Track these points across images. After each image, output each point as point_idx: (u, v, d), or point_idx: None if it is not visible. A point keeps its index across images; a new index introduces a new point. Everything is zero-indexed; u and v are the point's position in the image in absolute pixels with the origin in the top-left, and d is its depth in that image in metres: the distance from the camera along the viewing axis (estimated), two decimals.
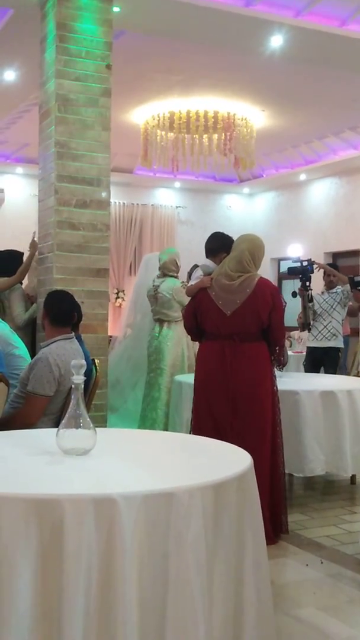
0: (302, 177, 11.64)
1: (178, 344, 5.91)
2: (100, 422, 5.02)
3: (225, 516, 1.98)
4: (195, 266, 4.65)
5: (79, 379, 2.25)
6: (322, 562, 3.61)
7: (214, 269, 4.30)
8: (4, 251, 5.88)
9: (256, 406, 3.89)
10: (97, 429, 2.30)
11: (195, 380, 4.12)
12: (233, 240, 4.33)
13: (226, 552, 1.99)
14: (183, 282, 5.99)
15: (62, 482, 2.04)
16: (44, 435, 2.69)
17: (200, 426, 3.96)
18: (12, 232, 10.93)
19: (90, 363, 3.93)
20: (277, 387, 4.05)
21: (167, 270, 5.99)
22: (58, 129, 5.05)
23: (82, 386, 2.28)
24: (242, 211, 13.15)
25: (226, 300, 3.91)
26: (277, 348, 4.00)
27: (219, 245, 4.69)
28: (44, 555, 1.77)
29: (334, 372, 6.84)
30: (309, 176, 11.58)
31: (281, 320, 3.96)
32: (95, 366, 3.99)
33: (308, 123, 9.41)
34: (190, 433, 4.05)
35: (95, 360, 4.05)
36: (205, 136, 8.97)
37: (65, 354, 3.55)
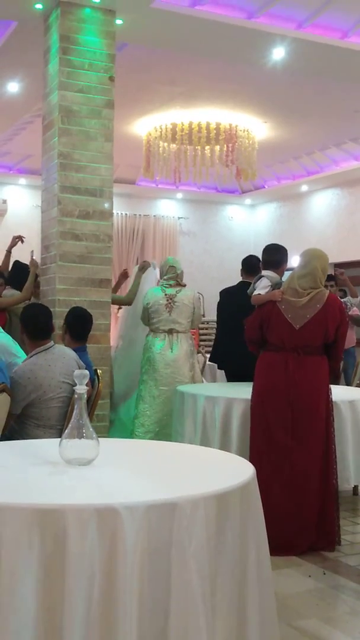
0: (304, 188, 11.66)
1: (192, 355, 5.89)
2: (103, 432, 5.02)
3: (228, 526, 1.98)
4: (261, 276, 4.70)
5: (81, 389, 2.25)
6: (324, 574, 3.60)
7: (276, 279, 4.49)
8: (18, 262, 5.98)
9: (314, 417, 4.02)
10: (99, 439, 2.30)
11: (254, 389, 4.18)
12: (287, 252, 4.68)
13: (229, 562, 1.98)
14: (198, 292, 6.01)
15: (65, 492, 2.04)
16: (46, 446, 2.69)
17: (256, 435, 4.08)
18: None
19: (93, 373, 3.94)
20: (332, 399, 4.17)
21: (180, 279, 6.00)
22: (61, 140, 5.08)
23: (85, 396, 2.28)
24: (244, 222, 13.18)
25: (295, 314, 4.03)
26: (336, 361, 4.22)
27: (280, 257, 4.84)
28: (46, 564, 1.76)
29: (336, 383, 6.83)
30: (310, 187, 11.60)
31: (345, 335, 4.15)
32: (98, 376, 4.00)
33: (310, 134, 9.44)
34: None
35: (98, 371, 4.06)
36: (207, 147, 9.00)
37: (34, 368, 3.66)
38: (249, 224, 13.19)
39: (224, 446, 4.38)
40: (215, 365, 6.69)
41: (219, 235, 12.96)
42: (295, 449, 3.97)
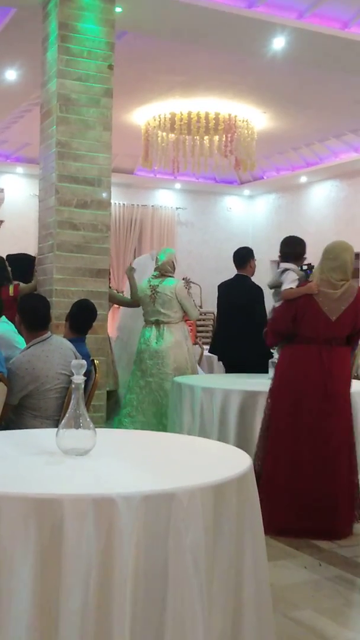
0: (303, 179, 11.64)
1: (181, 347, 5.84)
2: (99, 422, 5.01)
3: (225, 517, 1.98)
4: (286, 269, 4.74)
5: (79, 379, 2.25)
6: (320, 565, 3.61)
7: (301, 273, 4.65)
8: (20, 255, 5.95)
9: (345, 406, 4.13)
10: (96, 429, 2.29)
11: (282, 380, 4.19)
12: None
13: (226, 553, 1.98)
14: (185, 278, 5.94)
15: (62, 482, 2.03)
16: (43, 436, 2.68)
17: (280, 426, 4.10)
18: (12, 231, 10.95)
19: (90, 364, 3.93)
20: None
21: (165, 270, 5.94)
22: (59, 128, 5.05)
23: (82, 386, 2.27)
24: (242, 213, 13.16)
25: (331, 306, 4.08)
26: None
27: (301, 250, 5.04)
28: (43, 554, 1.76)
29: None
30: (309, 178, 11.58)
31: None
32: (95, 367, 3.99)
33: (309, 125, 9.41)
34: (262, 431, 4.20)
35: (95, 361, 4.05)
36: (206, 138, 8.97)
37: (32, 359, 3.66)
38: (247, 214, 13.17)
39: (222, 437, 4.38)
40: (215, 356, 6.71)
41: (217, 226, 12.94)
42: (330, 443, 4.02)
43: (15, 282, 5.59)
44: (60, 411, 3.67)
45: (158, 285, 5.83)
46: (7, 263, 5.74)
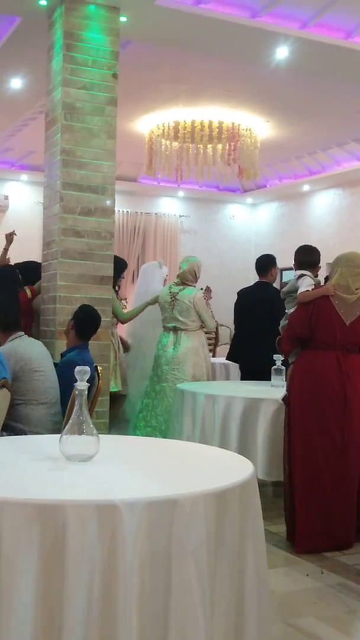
0: (306, 187, 11.66)
1: (197, 354, 5.85)
2: (102, 429, 5.02)
3: (227, 524, 1.98)
4: (302, 274, 4.81)
5: (82, 385, 2.26)
6: (322, 572, 3.61)
7: (316, 279, 4.80)
8: (29, 262, 6.02)
9: None
10: (99, 435, 2.30)
11: (300, 386, 4.15)
12: None
13: (228, 560, 1.99)
14: (202, 288, 5.97)
15: (65, 488, 2.04)
16: (46, 441, 2.69)
17: (309, 434, 4.05)
18: (16, 239, 10.90)
19: (93, 370, 3.95)
20: None
21: (185, 279, 5.96)
22: (64, 136, 5.08)
23: (85, 392, 2.28)
24: (245, 221, 13.18)
25: (347, 310, 4.09)
26: None
27: (316, 258, 5.20)
28: (46, 560, 1.76)
29: None
30: (312, 187, 11.60)
31: None
32: (99, 373, 4.00)
33: (312, 134, 9.44)
34: (285, 442, 4.15)
35: (99, 368, 4.06)
36: (209, 146, 9.00)
37: (13, 345, 4.04)
38: (250, 223, 13.19)
39: (224, 444, 4.38)
40: (231, 363, 6.77)
41: (220, 234, 12.96)
42: (350, 447, 4.01)
43: (30, 286, 5.70)
44: (45, 395, 3.97)
45: (178, 293, 5.86)
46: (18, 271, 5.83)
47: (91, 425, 2.27)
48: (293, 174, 11.44)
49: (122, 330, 6.64)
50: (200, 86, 7.68)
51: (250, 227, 13.14)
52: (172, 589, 1.82)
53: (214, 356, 9.03)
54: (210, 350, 8.19)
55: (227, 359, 6.69)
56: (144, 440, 3.86)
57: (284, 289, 5.22)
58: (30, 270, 5.81)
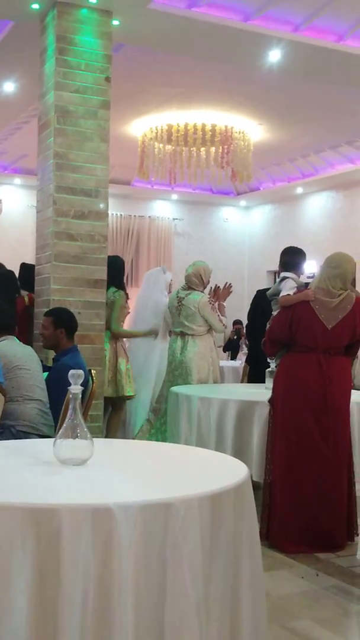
0: (299, 190, 11.69)
1: (204, 358, 5.82)
2: (97, 432, 5.01)
3: (222, 527, 1.98)
4: (285, 277, 4.77)
5: (76, 388, 2.25)
6: (317, 575, 3.61)
7: (299, 281, 4.74)
8: (27, 265, 6.00)
9: (346, 416, 4.16)
10: (94, 439, 2.29)
11: (281, 389, 4.18)
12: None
13: (223, 563, 1.98)
14: (209, 295, 5.92)
15: (59, 492, 2.04)
16: (41, 445, 2.69)
17: (289, 436, 4.08)
18: (9, 242, 10.96)
19: (87, 374, 3.94)
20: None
21: (190, 283, 5.93)
22: (57, 140, 5.08)
23: (80, 396, 2.28)
24: (239, 224, 13.20)
25: (328, 314, 4.08)
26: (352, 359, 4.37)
27: (300, 260, 5.11)
28: (40, 564, 1.76)
29: None
30: (305, 189, 11.63)
31: None
32: (92, 377, 4.00)
33: (305, 137, 9.47)
34: (268, 442, 4.19)
35: (92, 371, 4.06)
36: (202, 149, 9.01)
37: (5, 345, 4.05)
38: (243, 225, 13.21)
39: (219, 447, 4.38)
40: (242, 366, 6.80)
41: (214, 237, 12.97)
42: (331, 449, 4.04)
43: (29, 293, 5.63)
44: (29, 390, 3.93)
45: (184, 298, 5.82)
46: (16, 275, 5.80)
47: (85, 429, 2.26)
48: (286, 177, 11.46)
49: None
50: (193, 89, 7.69)
51: (243, 230, 13.16)
52: (167, 592, 1.82)
53: (233, 359, 9.09)
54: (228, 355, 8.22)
55: (246, 362, 6.73)
56: (138, 443, 3.86)
57: (269, 292, 5.20)
58: (30, 273, 5.78)
